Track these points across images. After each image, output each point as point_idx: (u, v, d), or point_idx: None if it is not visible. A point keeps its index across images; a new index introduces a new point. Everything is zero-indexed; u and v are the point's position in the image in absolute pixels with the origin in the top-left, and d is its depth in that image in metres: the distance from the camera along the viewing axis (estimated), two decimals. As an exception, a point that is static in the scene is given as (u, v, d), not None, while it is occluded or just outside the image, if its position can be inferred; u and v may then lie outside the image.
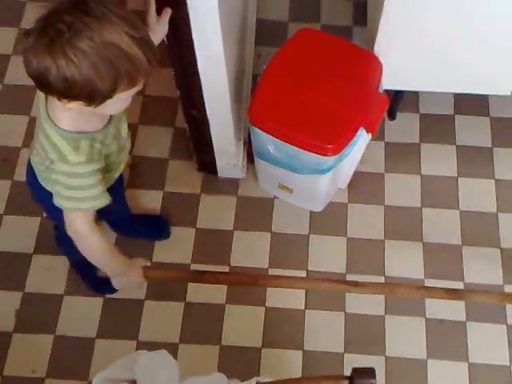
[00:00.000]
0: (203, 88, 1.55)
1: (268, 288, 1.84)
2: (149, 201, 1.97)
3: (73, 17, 0.92)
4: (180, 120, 2.02)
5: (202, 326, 1.81)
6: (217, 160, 1.89)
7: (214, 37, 1.39)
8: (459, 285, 1.85)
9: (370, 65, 1.76)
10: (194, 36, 1.37)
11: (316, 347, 1.79)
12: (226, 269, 1.86)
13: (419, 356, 1.78)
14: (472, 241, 1.93)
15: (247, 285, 1.51)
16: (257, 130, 1.68)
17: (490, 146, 2.07)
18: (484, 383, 1.75)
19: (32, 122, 2.07)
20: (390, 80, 1.85)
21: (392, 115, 2.11)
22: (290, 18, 2.27)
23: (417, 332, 1.81)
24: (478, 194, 2.00)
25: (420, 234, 1.94)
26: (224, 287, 1.83)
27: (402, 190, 2.01)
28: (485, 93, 1.99)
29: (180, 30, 1.34)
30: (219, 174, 1.98)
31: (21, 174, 1.98)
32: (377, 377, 1.05)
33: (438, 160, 2.06)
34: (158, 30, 1.28)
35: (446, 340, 1.80)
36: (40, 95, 1.15)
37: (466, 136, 2.09)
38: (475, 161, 2.05)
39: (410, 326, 1.82)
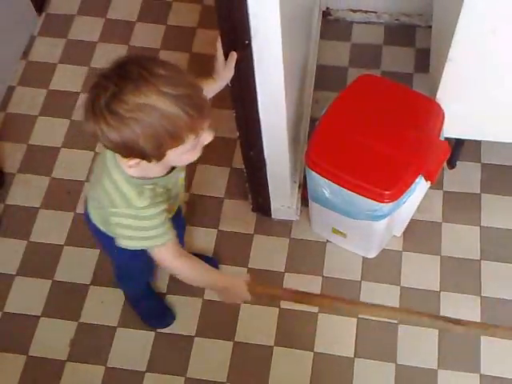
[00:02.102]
0: (262, 130, 1.59)
1: (317, 333, 1.82)
2: (203, 238, 2.01)
3: (109, 82, 0.96)
4: (237, 160, 2.07)
5: (249, 367, 1.81)
6: (271, 201, 1.92)
7: (276, 81, 1.44)
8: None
9: (432, 112, 1.75)
10: (256, 80, 1.42)
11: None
12: (276, 311, 1.85)
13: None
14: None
15: (341, 308, 1.49)
16: (313, 173, 1.69)
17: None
18: None
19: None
20: (452, 128, 1.83)
21: (452, 164, 2.07)
22: (350, 64, 2.31)
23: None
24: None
25: (478, 288, 1.88)
26: (273, 329, 1.83)
27: (460, 241, 1.97)
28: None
29: (243, 73, 1.39)
30: (273, 216, 2.00)
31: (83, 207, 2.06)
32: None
33: (500, 212, 2.01)
34: (225, 74, 1.34)
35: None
36: None
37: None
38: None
39: (464, 383, 1.75)
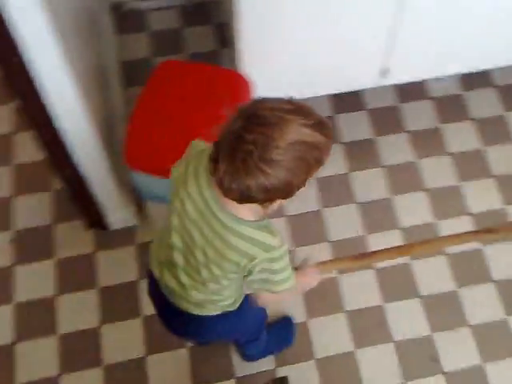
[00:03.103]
0: (70, 147, 1.54)
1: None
2: (42, 272, 1.90)
3: (254, 133, 0.97)
4: (58, 181, 1.97)
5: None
6: (105, 213, 1.87)
7: (69, 94, 1.39)
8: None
9: (239, 84, 1.79)
10: (44, 98, 1.36)
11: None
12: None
13: None
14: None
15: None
16: (138, 173, 1.65)
17: (372, 136, 2.17)
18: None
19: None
20: (264, 94, 1.88)
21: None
22: (154, 54, 2.29)
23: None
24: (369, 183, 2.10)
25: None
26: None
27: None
28: (355, 89, 2.07)
29: (26, 93, 1.32)
30: (112, 227, 1.95)
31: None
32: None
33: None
34: None
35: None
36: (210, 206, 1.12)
37: (350, 133, 2.18)
38: (363, 155, 2.14)
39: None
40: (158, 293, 1.31)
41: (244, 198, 1.03)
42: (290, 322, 1.86)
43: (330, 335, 1.86)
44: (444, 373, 1.81)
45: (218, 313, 1.29)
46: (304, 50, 1.81)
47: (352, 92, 2.08)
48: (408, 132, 2.17)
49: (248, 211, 1.09)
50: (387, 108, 2.22)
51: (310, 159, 1.01)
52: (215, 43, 2.31)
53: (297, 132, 0.98)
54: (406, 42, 1.86)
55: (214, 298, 1.25)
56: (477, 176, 2.10)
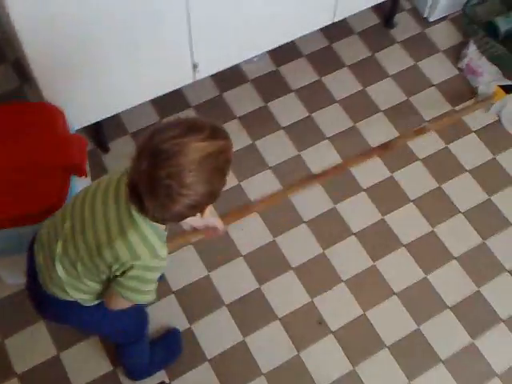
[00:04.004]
0: None
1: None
2: None
3: (164, 168, 1.06)
4: None
5: None
6: None
7: None
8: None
9: (49, 114, 1.75)
10: None
11: None
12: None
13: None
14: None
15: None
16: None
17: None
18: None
19: None
20: (79, 118, 1.89)
21: (104, 148, 2.13)
22: None
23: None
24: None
25: None
26: None
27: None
28: (174, 88, 2.10)
29: None
30: None
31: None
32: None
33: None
34: None
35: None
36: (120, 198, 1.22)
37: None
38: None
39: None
40: (32, 271, 1.38)
41: (180, 219, 1.15)
42: (176, 333, 1.88)
43: (216, 333, 1.89)
44: (332, 332, 1.91)
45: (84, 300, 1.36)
46: (110, 66, 1.84)
47: (173, 92, 2.11)
48: (239, 118, 2.26)
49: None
50: (210, 101, 2.30)
51: (220, 164, 1.11)
52: (17, 80, 2.26)
53: (199, 149, 1.07)
54: (202, 36, 1.93)
55: (77, 285, 1.31)
56: (313, 142, 2.25)
